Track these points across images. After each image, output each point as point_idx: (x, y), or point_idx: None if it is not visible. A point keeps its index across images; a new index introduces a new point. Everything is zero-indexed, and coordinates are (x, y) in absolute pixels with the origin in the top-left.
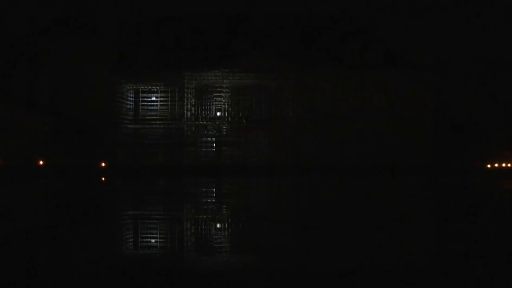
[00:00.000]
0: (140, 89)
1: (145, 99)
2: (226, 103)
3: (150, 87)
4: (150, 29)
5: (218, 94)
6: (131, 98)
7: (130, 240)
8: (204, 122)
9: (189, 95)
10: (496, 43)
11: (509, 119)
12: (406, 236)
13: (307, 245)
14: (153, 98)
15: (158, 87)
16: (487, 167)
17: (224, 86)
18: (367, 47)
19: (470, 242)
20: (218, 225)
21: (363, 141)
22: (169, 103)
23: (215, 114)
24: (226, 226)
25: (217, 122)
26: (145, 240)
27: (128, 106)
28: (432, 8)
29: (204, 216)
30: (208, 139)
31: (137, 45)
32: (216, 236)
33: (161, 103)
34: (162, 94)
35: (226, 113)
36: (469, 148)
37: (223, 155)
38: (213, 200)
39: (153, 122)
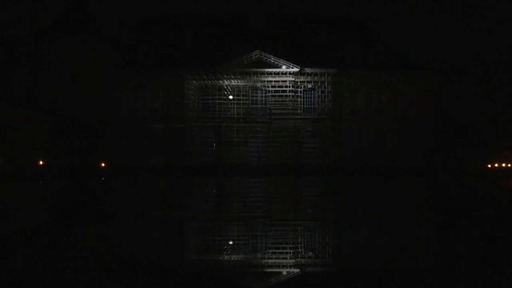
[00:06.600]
0: (140, 89)
1: (146, 98)
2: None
3: (150, 87)
4: (151, 28)
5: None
6: (132, 98)
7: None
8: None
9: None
10: (496, 42)
11: (509, 119)
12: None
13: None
14: (154, 98)
15: (158, 87)
16: (487, 167)
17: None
18: (368, 47)
19: (469, 242)
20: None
21: (364, 141)
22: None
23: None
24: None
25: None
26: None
27: (129, 106)
28: (432, 8)
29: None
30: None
31: (137, 44)
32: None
33: (162, 103)
34: (163, 94)
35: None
36: (469, 148)
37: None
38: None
39: (154, 122)
